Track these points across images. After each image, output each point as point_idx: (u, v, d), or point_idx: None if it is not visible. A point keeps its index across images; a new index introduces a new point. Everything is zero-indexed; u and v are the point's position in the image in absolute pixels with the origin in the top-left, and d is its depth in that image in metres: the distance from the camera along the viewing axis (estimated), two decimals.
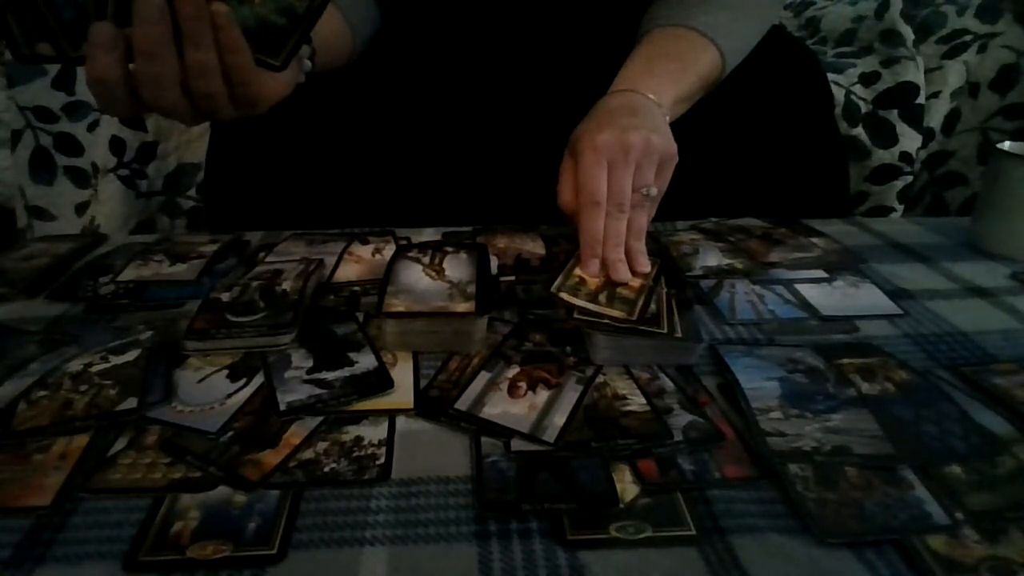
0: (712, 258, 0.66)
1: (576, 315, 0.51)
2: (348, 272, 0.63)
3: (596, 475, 0.39)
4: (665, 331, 0.49)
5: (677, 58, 0.66)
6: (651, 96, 0.62)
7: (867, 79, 1.07)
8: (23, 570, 0.33)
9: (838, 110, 1.04)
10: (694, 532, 0.35)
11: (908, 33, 1.11)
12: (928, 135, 1.10)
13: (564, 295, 0.53)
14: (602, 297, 0.53)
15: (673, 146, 0.59)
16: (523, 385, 0.46)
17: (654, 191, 0.58)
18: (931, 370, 0.49)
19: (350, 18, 0.72)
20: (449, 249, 0.61)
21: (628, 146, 0.56)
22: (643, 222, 0.58)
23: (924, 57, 1.08)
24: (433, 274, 0.57)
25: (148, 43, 0.45)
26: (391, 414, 0.44)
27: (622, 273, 0.55)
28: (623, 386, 0.46)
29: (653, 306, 0.52)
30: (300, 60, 0.57)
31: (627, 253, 0.56)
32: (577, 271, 0.56)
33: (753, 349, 0.51)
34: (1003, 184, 0.67)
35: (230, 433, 0.42)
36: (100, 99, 0.48)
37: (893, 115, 1.05)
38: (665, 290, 0.54)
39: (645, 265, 0.56)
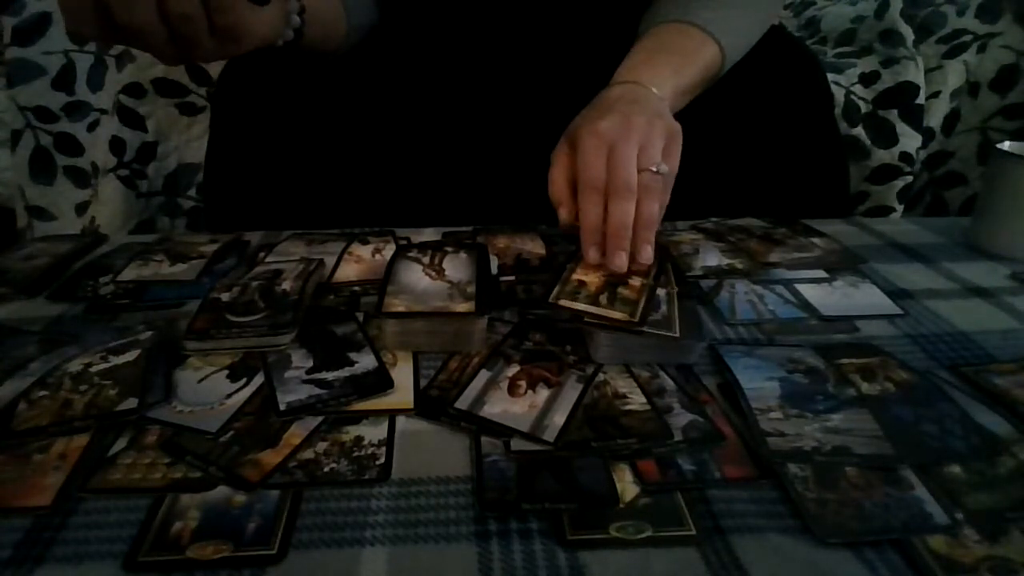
0: (712, 258, 0.66)
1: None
2: (348, 272, 0.63)
3: (596, 475, 0.39)
4: (666, 330, 0.49)
5: (677, 52, 0.66)
6: (651, 87, 0.62)
7: (867, 79, 1.07)
8: (23, 570, 0.33)
9: (838, 110, 1.04)
10: (694, 532, 0.35)
11: (908, 33, 1.11)
12: (928, 135, 1.10)
13: (564, 302, 0.51)
14: (603, 299, 0.52)
15: (676, 124, 0.58)
16: (523, 384, 0.46)
17: (664, 167, 0.56)
18: (931, 370, 0.49)
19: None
20: (449, 249, 0.61)
21: (629, 128, 0.55)
22: (654, 209, 0.54)
23: (924, 57, 1.09)
24: (433, 274, 0.57)
25: None
26: (391, 414, 0.44)
27: (619, 261, 0.53)
28: (623, 385, 0.46)
29: (664, 308, 0.51)
30: (289, 16, 0.56)
31: (633, 242, 0.54)
32: (575, 276, 0.55)
33: (753, 349, 0.51)
34: (1003, 184, 0.67)
35: (230, 433, 0.42)
36: (68, 12, 0.46)
37: (893, 115, 1.05)
38: (674, 289, 0.54)
39: (648, 257, 0.54)
